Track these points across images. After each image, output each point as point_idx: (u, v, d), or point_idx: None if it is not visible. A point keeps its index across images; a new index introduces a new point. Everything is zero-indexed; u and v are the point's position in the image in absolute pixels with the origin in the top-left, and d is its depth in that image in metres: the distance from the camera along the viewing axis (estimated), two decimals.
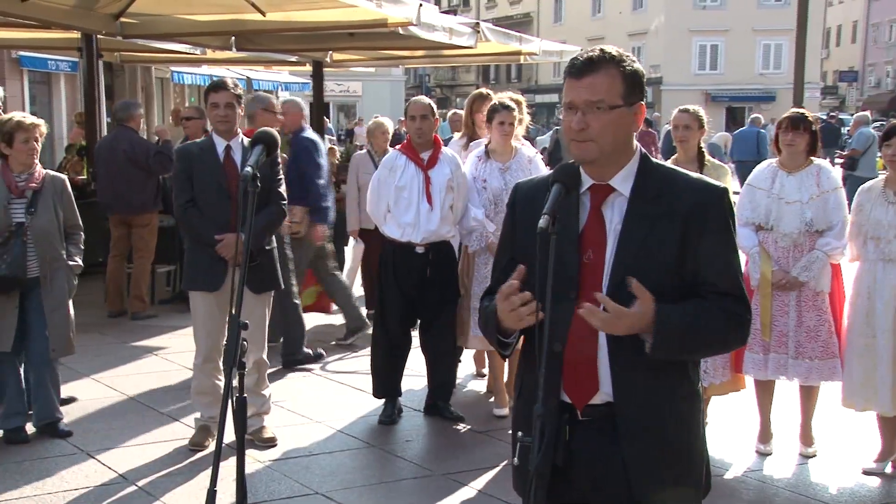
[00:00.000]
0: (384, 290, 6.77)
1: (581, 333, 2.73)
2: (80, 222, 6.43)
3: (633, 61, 2.80)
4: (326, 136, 24.80)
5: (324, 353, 8.39)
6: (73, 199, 6.41)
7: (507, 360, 6.63)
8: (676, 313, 2.69)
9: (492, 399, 7.16)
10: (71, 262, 6.28)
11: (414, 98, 6.84)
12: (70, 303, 6.35)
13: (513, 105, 6.72)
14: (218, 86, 6.06)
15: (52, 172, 6.39)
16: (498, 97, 7.14)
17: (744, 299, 2.82)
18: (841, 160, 17.77)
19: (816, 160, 6.11)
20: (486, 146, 6.79)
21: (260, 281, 6.05)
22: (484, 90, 7.99)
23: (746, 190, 6.20)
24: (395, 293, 6.69)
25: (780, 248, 6.01)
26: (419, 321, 6.90)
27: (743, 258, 6.00)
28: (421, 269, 6.62)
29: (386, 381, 6.85)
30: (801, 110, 6.37)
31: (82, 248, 6.42)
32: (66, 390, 7.00)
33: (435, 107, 6.78)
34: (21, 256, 6.05)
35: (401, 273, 6.65)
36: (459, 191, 6.72)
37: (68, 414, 6.64)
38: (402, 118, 6.91)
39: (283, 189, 6.20)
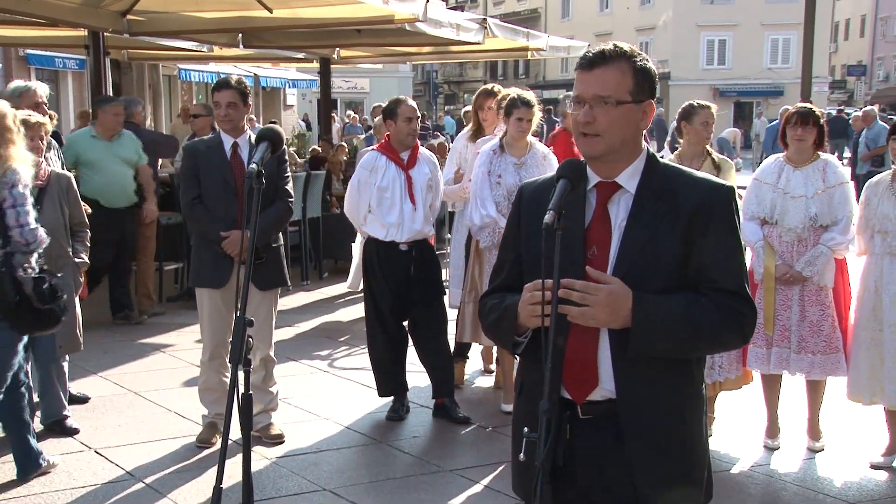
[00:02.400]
0: (373, 288, 6.79)
1: (582, 328, 2.72)
2: (87, 220, 6.44)
3: (646, 59, 2.80)
4: (361, 136, 24.85)
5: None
6: (80, 196, 6.42)
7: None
8: (658, 303, 2.68)
9: (500, 395, 7.16)
10: (77, 260, 6.29)
11: (402, 99, 6.81)
12: (77, 300, 6.36)
13: (533, 101, 6.70)
14: (220, 85, 6.07)
15: (57, 170, 6.39)
16: (515, 92, 7.17)
17: (746, 297, 2.79)
18: (861, 158, 17.55)
19: (823, 155, 6.10)
20: (501, 140, 6.77)
21: (266, 278, 6.06)
22: (490, 86, 7.99)
23: (753, 184, 6.19)
24: (384, 289, 6.71)
25: (785, 242, 6.00)
26: (409, 320, 6.90)
27: (748, 252, 5.99)
28: (405, 268, 6.67)
29: (388, 377, 6.86)
30: (809, 105, 6.36)
31: (88, 245, 6.43)
32: (74, 388, 7.02)
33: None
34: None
35: (387, 271, 6.69)
36: (437, 190, 6.83)
37: (75, 411, 6.65)
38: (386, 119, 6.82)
39: (290, 186, 6.20)
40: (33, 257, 5.18)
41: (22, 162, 5.14)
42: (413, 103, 6.76)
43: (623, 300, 2.64)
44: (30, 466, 5.62)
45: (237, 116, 6.05)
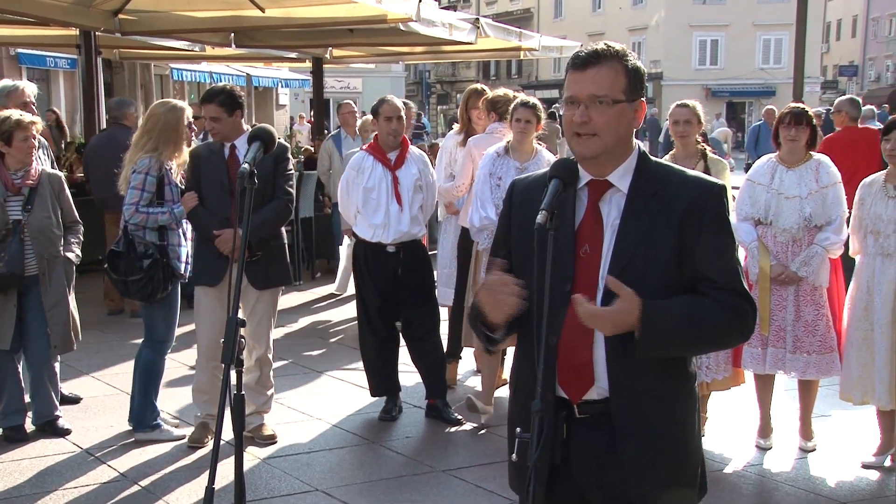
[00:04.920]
0: (362, 289, 6.79)
1: (576, 327, 2.72)
2: (78, 217, 6.43)
3: (636, 58, 2.81)
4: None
5: None
6: (71, 196, 6.41)
7: (491, 355, 6.63)
8: (665, 308, 2.67)
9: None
10: (69, 253, 6.28)
11: (386, 98, 6.79)
12: (72, 299, 6.35)
13: (534, 103, 6.64)
14: (204, 98, 6.11)
15: (48, 170, 6.39)
16: (506, 92, 7.15)
17: (745, 294, 2.80)
18: None
19: (816, 155, 6.11)
20: (507, 143, 6.72)
21: (264, 276, 6.06)
22: (479, 86, 7.96)
23: (746, 185, 6.19)
24: (373, 291, 6.71)
25: (779, 242, 6.00)
26: (401, 320, 6.90)
27: (742, 253, 5.99)
28: (393, 269, 6.65)
29: (380, 378, 6.85)
30: (801, 105, 6.36)
31: (82, 239, 6.43)
32: (66, 388, 7.00)
33: (409, 106, 6.79)
34: (18, 254, 6.05)
35: (374, 272, 6.68)
36: (429, 190, 6.80)
37: (67, 412, 6.63)
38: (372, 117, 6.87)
39: (290, 185, 6.18)
40: (147, 233, 6.09)
41: (161, 150, 6.07)
42: (397, 103, 6.71)
43: (631, 318, 2.64)
44: (143, 422, 6.25)
45: (222, 128, 6.04)
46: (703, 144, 6.40)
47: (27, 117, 6.14)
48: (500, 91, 7.46)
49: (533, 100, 6.74)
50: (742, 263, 5.84)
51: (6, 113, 6.16)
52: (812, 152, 6.09)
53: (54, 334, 6.23)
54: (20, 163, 6.09)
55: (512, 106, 6.71)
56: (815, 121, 6.11)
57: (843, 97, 11.63)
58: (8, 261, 6.01)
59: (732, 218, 5.83)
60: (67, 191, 6.38)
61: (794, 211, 5.94)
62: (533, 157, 6.64)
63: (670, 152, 6.45)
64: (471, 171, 7.03)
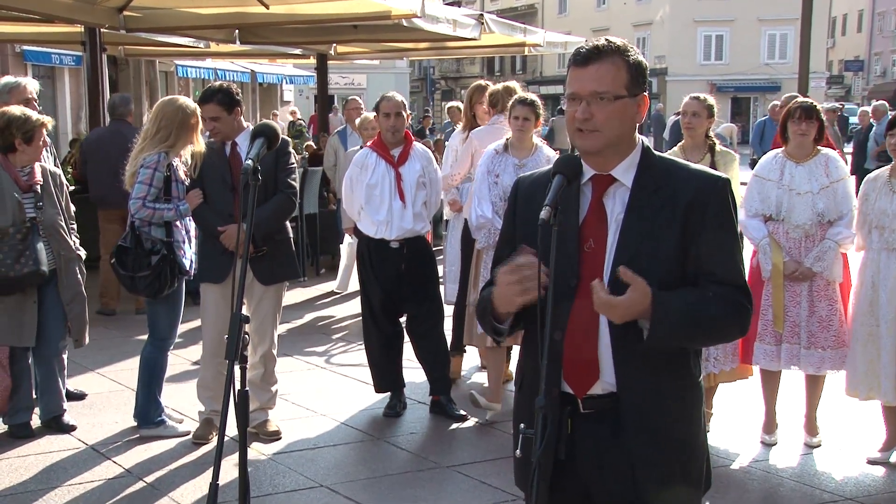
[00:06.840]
0: (365, 285, 6.81)
1: (580, 322, 2.73)
2: (73, 213, 6.45)
3: (637, 52, 2.80)
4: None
5: None
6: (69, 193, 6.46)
7: (497, 351, 6.62)
8: (675, 300, 2.68)
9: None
10: (80, 251, 6.32)
11: (386, 95, 6.78)
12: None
13: (532, 100, 6.61)
14: (202, 99, 6.09)
15: (48, 167, 6.39)
16: (504, 86, 7.13)
17: (744, 289, 2.80)
18: (870, 154, 17.50)
19: (823, 150, 6.08)
20: (507, 140, 6.68)
21: (269, 272, 6.07)
22: (482, 82, 7.94)
23: (754, 181, 6.16)
24: (376, 287, 6.71)
25: (792, 238, 5.97)
26: (405, 316, 6.90)
27: (752, 249, 5.98)
28: (397, 265, 6.65)
29: (385, 374, 6.86)
30: (809, 99, 6.35)
31: (78, 236, 6.45)
32: (71, 384, 7.00)
33: (407, 103, 6.79)
34: (41, 251, 6.07)
35: (378, 268, 6.68)
36: (432, 186, 6.78)
37: (73, 408, 6.64)
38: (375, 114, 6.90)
39: (292, 179, 6.17)
40: (152, 229, 6.06)
41: (177, 144, 6.07)
42: (397, 99, 6.70)
43: (641, 308, 2.64)
44: (147, 418, 6.28)
45: (223, 127, 6.04)
46: (714, 139, 6.40)
47: (46, 117, 6.21)
48: (499, 85, 7.46)
49: (531, 97, 6.71)
50: (751, 260, 5.88)
51: (27, 112, 6.17)
52: (819, 147, 6.07)
53: (74, 328, 6.28)
54: (30, 161, 6.10)
55: (510, 103, 6.70)
56: (822, 115, 6.11)
57: (787, 94, 12.94)
58: (35, 258, 6.03)
59: (741, 214, 5.83)
60: (66, 187, 6.40)
61: (807, 206, 5.92)
62: (532, 153, 6.61)
63: (679, 143, 6.46)
64: (468, 162, 7.05)
